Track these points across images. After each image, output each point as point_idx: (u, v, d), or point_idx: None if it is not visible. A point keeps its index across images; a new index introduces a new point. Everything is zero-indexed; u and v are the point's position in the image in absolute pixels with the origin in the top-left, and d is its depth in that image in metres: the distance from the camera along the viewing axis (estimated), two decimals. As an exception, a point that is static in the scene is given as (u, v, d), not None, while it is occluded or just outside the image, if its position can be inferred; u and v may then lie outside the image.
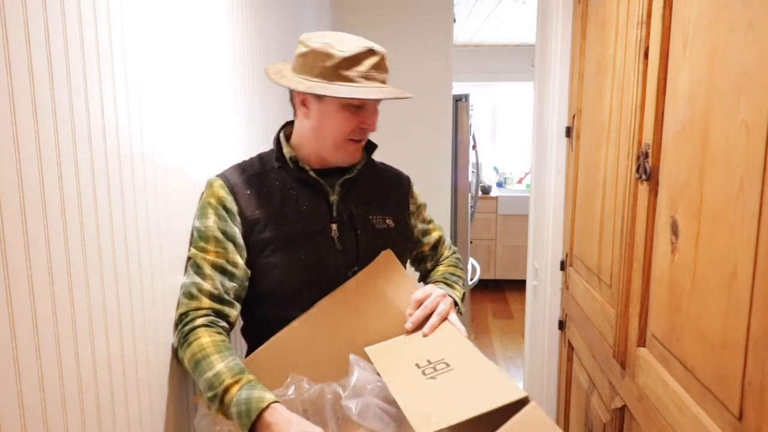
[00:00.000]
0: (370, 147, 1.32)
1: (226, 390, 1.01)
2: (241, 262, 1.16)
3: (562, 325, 1.91)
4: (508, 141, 6.04)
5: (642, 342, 1.16)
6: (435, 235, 1.45)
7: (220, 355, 1.05)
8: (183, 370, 1.14)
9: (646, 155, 1.11)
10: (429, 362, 1.12)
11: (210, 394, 1.02)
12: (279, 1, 1.94)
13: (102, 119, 0.85)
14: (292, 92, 1.24)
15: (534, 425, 0.96)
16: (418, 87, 3.02)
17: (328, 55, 1.14)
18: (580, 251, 1.69)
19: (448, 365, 1.10)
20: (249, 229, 1.19)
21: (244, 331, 1.32)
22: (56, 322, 0.74)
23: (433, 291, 1.22)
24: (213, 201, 1.18)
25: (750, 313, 0.77)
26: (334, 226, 1.22)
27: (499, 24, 4.40)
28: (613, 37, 1.37)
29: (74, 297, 0.78)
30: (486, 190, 5.60)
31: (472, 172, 3.85)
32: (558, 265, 1.91)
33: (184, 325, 1.10)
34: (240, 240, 1.17)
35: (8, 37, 0.65)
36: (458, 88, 3.45)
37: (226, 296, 1.14)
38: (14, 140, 0.66)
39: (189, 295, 1.12)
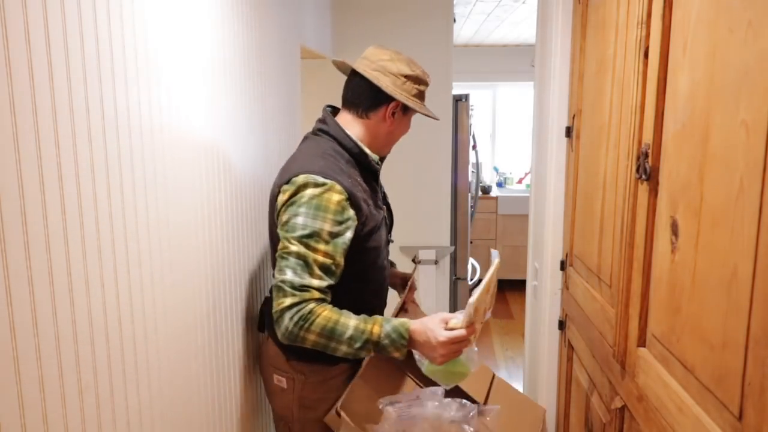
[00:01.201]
0: None
1: (371, 333, 1.28)
2: (342, 262, 1.35)
3: (562, 325, 1.91)
4: (508, 141, 6.04)
5: (642, 342, 1.16)
6: None
7: (345, 317, 1.29)
8: (182, 371, 1.14)
9: (646, 155, 1.11)
10: None
11: (359, 344, 1.27)
12: (280, 1, 1.94)
13: (102, 119, 0.85)
14: (378, 102, 1.47)
15: (504, 397, 1.46)
16: (418, 87, 3.02)
17: (423, 83, 1.51)
18: (580, 251, 1.69)
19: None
20: (361, 224, 1.39)
21: None
22: (56, 322, 0.74)
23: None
24: (332, 206, 1.32)
25: (750, 313, 0.77)
26: (384, 209, 1.55)
27: (499, 24, 4.40)
28: (613, 37, 1.37)
29: (74, 297, 0.78)
30: (486, 190, 5.60)
31: (472, 172, 3.85)
32: (558, 265, 1.91)
33: (300, 310, 1.27)
34: (347, 240, 1.35)
35: (8, 37, 0.65)
36: (458, 88, 3.45)
37: (327, 290, 1.32)
38: (14, 140, 0.66)
39: (299, 289, 1.28)
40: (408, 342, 1.29)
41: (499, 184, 6.00)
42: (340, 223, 1.32)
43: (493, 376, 1.77)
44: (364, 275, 1.45)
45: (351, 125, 1.49)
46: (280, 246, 1.33)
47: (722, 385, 0.84)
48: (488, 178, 6.02)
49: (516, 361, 4.07)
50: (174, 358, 1.12)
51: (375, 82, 1.44)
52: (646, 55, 1.13)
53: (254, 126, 1.67)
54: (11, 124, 0.66)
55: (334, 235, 1.31)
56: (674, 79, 1.03)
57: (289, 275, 1.28)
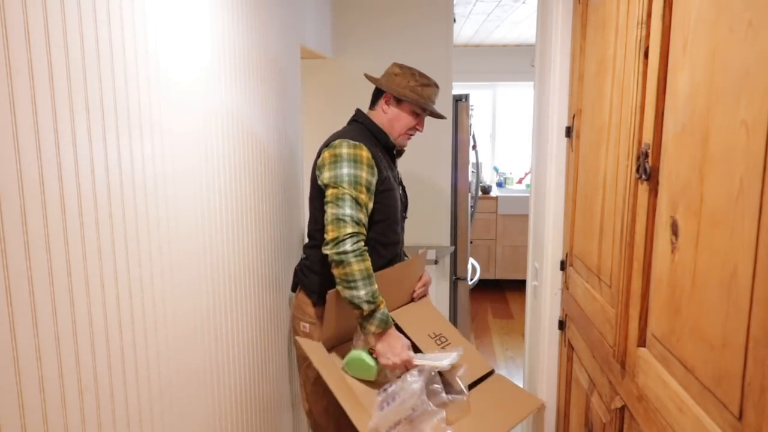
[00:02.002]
0: None
1: (380, 302, 1.64)
2: (371, 206, 1.76)
3: (562, 325, 1.91)
4: (508, 141, 6.04)
5: (642, 342, 1.16)
6: None
7: (374, 278, 1.65)
8: (183, 371, 1.14)
9: (646, 155, 1.11)
10: (435, 335, 1.87)
11: (370, 299, 1.62)
12: (280, 1, 1.94)
13: (102, 119, 0.85)
14: (377, 95, 1.96)
15: (499, 387, 1.75)
16: (418, 87, 3.02)
17: (415, 78, 1.91)
18: (580, 251, 1.69)
19: (446, 339, 1.87)
20: (381, 182, 1.79)
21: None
22: (56, 322, 0.74)
23: (428, 277, 2.06)
24: (365, 159, 1.74)
25: (750, 313, 0.77)
26: (399, 187, 1.96)
27: (499, 24, 4.40)
28: (613, 37, 1.37)
29: (74, 297, 0.78)
30: (486, 190, 5.60)
31: (472, 172, 3.85)
32: (558, 265, 1.91)
33: (359, 241, 1.64)
34: (374, 188, 1.76)
35: (8, 37, 0.65)
36: (458, 88, 3.45)
37: (365, 226, 1.72)
38: (14, 140, 0.66)
39: (356, 222, 1.66)
40: (384, 329, 1.64)
41: (499, 184, 6.00)
42: (371, 173, 1.74)
43: (492, 371, 1.88)
44: (378, 228, 1.83)
45: (373, 117, 1.95)
46: (330, 194, 1.68)
47: (722, 385, 0.84)
48: (488, 178, 6.01)
49: (516, 361, 4.07)
50: (174, 358, 1.12)
51: (372, 80, 1.92)
52: (646, 55, 1.13)
53: (254, 125, 1.66)
54: (11, 124, 0.66)
55: (368, 182, 1.73)
56: (674, 79, 1.03)
57: (348, 211, 1.65)
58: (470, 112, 3.32)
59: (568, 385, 1.83)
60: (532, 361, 2.22)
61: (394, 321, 1.72)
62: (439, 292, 3.41)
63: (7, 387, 0.66)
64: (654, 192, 1.10)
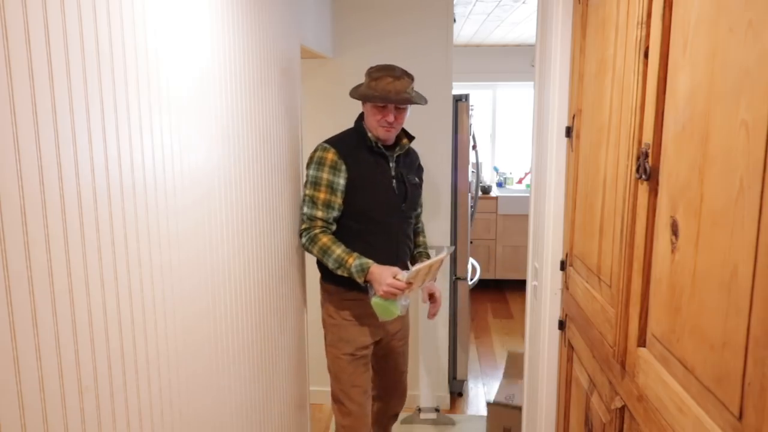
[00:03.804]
0: (411, 136, 2.26)
1: (346, 262, 2.02)
2: (339, 200, 2.07)
3: (562, 325, 1.91)
4: (508, 141, 6.03)
5: (642, 342, 1.16)
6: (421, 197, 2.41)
7: (335, 245, 2.05)
8: (183, 370, 1.14)
9: (646, 155, 1.11)
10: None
11: (337, 265, 2.03)
12: (280, 1, 1.94)
13: (102, 119, 0.85)
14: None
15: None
16: (418, 87, 3.02)
17: (369, 75, 2.10)
18: (580, 251, 1.69)
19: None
20: (352, 179, 2.07)
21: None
22: (56, 322, 0.74)
23: (439, 293, 2.42)
24: (328, 161, 2.05)
25: (750, 313, 0.77)
26: (394, 181, 2.16)
27: (499, 24, 4.40)
28: (613, 37, 1.37)
29: (74, 297, 0.78)
30: (486, 190, 5.60)
31: (472, 172, 3.85)
32: (558, 265, 1.91)
33: (309, 233, 2.07)
34: (341, 187, 2.06)
35: (8, 37, 0.65)
36: (458, 88, 3.45)
37: (329, 220, 2.08)
38: (14, 140, 0.66)
39: (310, 219, 2.07)
40: (366, 275, 2.00)
41: (499, 184, 6.00)
42: (333, 173, 2.05)
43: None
44: (358, 216, 2.10)
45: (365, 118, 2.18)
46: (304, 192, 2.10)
47: (722, 385, 0.84)
48: (488, 178, 6.01)
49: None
50: (174, 358, 1.12)
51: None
52: (646, 55, 1.13)
53: (254, 125, 1.67)
54: (11, 124, 0.66)
55: (329, 181, 2.05)
56: (674, 79, 1.03)
57: (305, 210, 2.08)
58: (470, 112, 3.32)
59: (568, 385, 1.83)
60: (532, 361, 2.22)
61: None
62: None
63: (7, 387, 0.66)
64: (654, 192, 1.10)
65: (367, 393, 2.26)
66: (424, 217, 2.54)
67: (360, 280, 2.02)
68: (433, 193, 3.17)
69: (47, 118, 0.72)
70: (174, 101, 1.11)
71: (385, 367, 2.41)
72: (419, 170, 2.37)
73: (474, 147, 3.80)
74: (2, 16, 0.64)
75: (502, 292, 5.56)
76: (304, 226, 2.08)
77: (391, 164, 2.16)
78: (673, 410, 0.99)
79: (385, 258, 2.07)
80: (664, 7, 1.05)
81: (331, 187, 2.05)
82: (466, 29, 4.61)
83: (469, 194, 3.50)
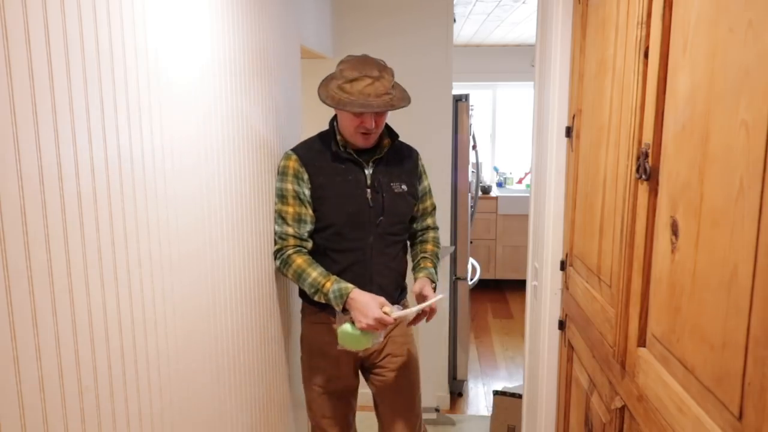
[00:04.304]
0: (394, 135, 1.92)
1: (323, 286, 1.72)
2: (310, 212, 1.80)
3: (562, 325, 1.91)
4: (508, 141, 6.04)
5: (642, 342, 1.16)
6: (428, 203, 2.06)
7: (312, 268, 1.76)
8: (183, 370, 1.14)
9: (646, 155, 1.11)
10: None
11: (313, 290, 1.74)
12: (280, 1, 1.94)
13: (102, 119, 0.85)
14: None
15: None
16: (418, 87, 3.02)
17: (341, 75, 1.73)
18: (580, 251, 1.69)
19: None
20: (315, 189, 1.80)
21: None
22: (56, 322, 0.74)
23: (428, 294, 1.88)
24: (289, 170, 1.79)
25: (750, 313, 0.77)
26: (368, 191, 1.83)
27: (499, 24, 4.40)
28: (613, 37, 1.37)
29: (74, 297, 0.78)
30: (486, 190, 5.60)
31: (472, 172, 3.85)
32: (558, 265, 1.91)
33: (282, 254, 1.79)
34: (309, 197, 1.79)
35: (8, 37, 0.65)
36: (458, 88, 3.45)
37: (303, 236, 1.80)
38: (14, 140, 0.66)
39: (280, 237, 1.79)
40: (345, 302, 1.70)
41: (499, 184, 6.00)
42: (298, 182, 1.79)
43: None
44: (325, 228, 1.82)
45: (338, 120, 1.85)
46: None
47: (722, 385, 0.84)
48: (488, 178, 6.01)
49: (516, 361, 4.07)
50: (174, 358, 1.12)
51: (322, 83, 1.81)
52: (646, 55, 1.13)
53: (254, 125, 1.66)
54: (11, 124, 0.66)
55: (294, 191, 1.78)
56: (674, 79, 1.02)
57: (276, 228, 1.80)
58: (470, 112, 3.32)
59: (568, 385, 1.83)
60: (532, 361, 2.22)
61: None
62: (439, 292, 3.41)
63: (7, 387, 0.66)
64: (654, 192, 1.10)
65: (343, 425, 1.96)
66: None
67: (338, 308, 1.71)
68: (434, 193, 3.17)
69: (47, 118, 0.72)
70: (174, 101, 1.11)
71: (380, 395, 1.98)
72: (412, 176, 1.94)
73: (474, 147, 3.80)
74: (2, 16, 0.64)
75: (502, 292, 5.57)
76: (276, 247, 1.80)
77: (366, 171, 1.83)
78: (673, 410, 0.99)
79: (356, 281, 1.77)
80: (664, 7, 1.05)
81: (299, 198, 1.78)
82: (466, 29, 4.61)
83: (469, 194, 3.50)
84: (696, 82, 0.94)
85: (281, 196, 1.79)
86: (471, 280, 3.62)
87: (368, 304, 1.66)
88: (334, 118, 1.87)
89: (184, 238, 1.17)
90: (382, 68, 1.74)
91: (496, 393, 2.85)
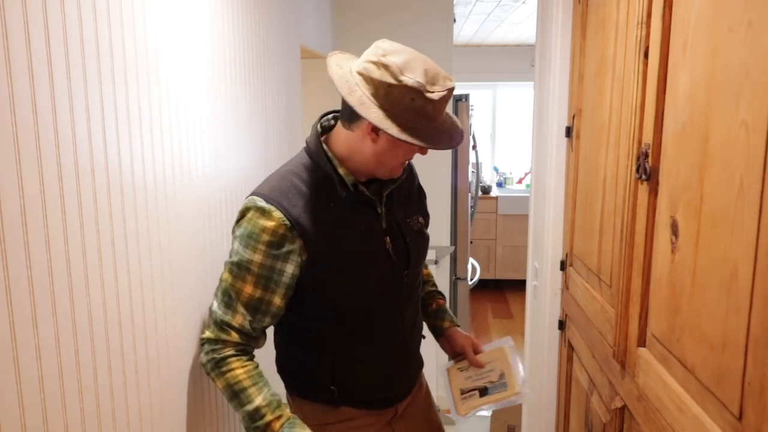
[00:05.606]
0: None
1: (268, 425, 1.12)
2: (278, 301, 1.18)
3: (562, 325, 1.92)
4: (508, 141, 6.04)
5: (642, 342, 1.16)
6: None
7: (256, 387, 1.14)
8: (183, 370, 1.14)
9: (646, 155, 1.11)
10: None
11: (253, 425, 1.13)
12: (280, 1, 1.94)
13: (102, 119, 0.85)
14: (356, 113, 1.11)
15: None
16: (418, 87, 3.03)
17: (419, 98, 1.09)
18: (580, 251, 1.69)
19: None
20: (317, 260, 1.17)
21: (281, 336, 1.35)
22: (56, 322, 0.74)
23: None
24: (267, 237, 1.13)
25: (750, 313, 0.77)
26: (387, 239, 1.26)
27: (499, 24, 4.40)
28: (613, 37, 1.37)
29: (74, 297, 0.78)
30: (486, 190, 5.60)
31: (472, 172, 3.85)
32: (558, 265, 1.91)
33: (214, 351, 1.15)
34: (288, 279, 1.17)
35: (8, 37, 0.65)
36: (458, 88, 3.45)
37: (253, 333, 1.17)
38: (14, 140, 0.66)
39: (219, 326, 1.16)
40: None
41: (499, 184, 6.00)
42: (276, 255, 1.14)
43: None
44: (334, 315, 1.25)
45: (338, 138, 1.22)
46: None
47: (722, 385, 0.84)
48: (488, 178, 6.02)
49: (516, 361, 4.07)
50: (174, 358, 1.12)
51: (343, 93, 1.12)
52: (646, 55, 1.13)
53: (254, 125, 1.67)
54: (11, 124, 0.66)
55: (267, 268, 1.14)
56: (674, 79, 1.03)
57: (215, 306, 1.17)
58: (470, 112, 3.32)
59: (568, 385, 1.83)
60: (532, 361, 2.22)
61: None
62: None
63: (7, 387, 0.66)
64: (654, 192, 1.10)
65: None
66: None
67: None
68: (433, 193, 3.18)
69: (47, 118, 0.72)
70: (174, 101, 1.11)
71: None
72: (420, 195, 1.43)
73: (474, 147, 3.81)
74: (2, 16, 0.64)
75: (502, 292, 5.57)
76: (207, 335, 1.17)
77: (380, 210, 1.26)
78: (673, 410, 0.99)
79: (392, 368, 1.33)
80: (664, 7, 1.05)
81: (270, 280, 1.16)
82: (466, 29, 4.61)
83: (469, 194, 3.50)
84: (696, 82, 0.94)
85: (239, 267, 1.15)
86: (471, 280, 3.62)
87: None
88: (326, 138, 1.24)
89: (184, 238, 1.17)
90: (448, 90, 1.15)
91: None
